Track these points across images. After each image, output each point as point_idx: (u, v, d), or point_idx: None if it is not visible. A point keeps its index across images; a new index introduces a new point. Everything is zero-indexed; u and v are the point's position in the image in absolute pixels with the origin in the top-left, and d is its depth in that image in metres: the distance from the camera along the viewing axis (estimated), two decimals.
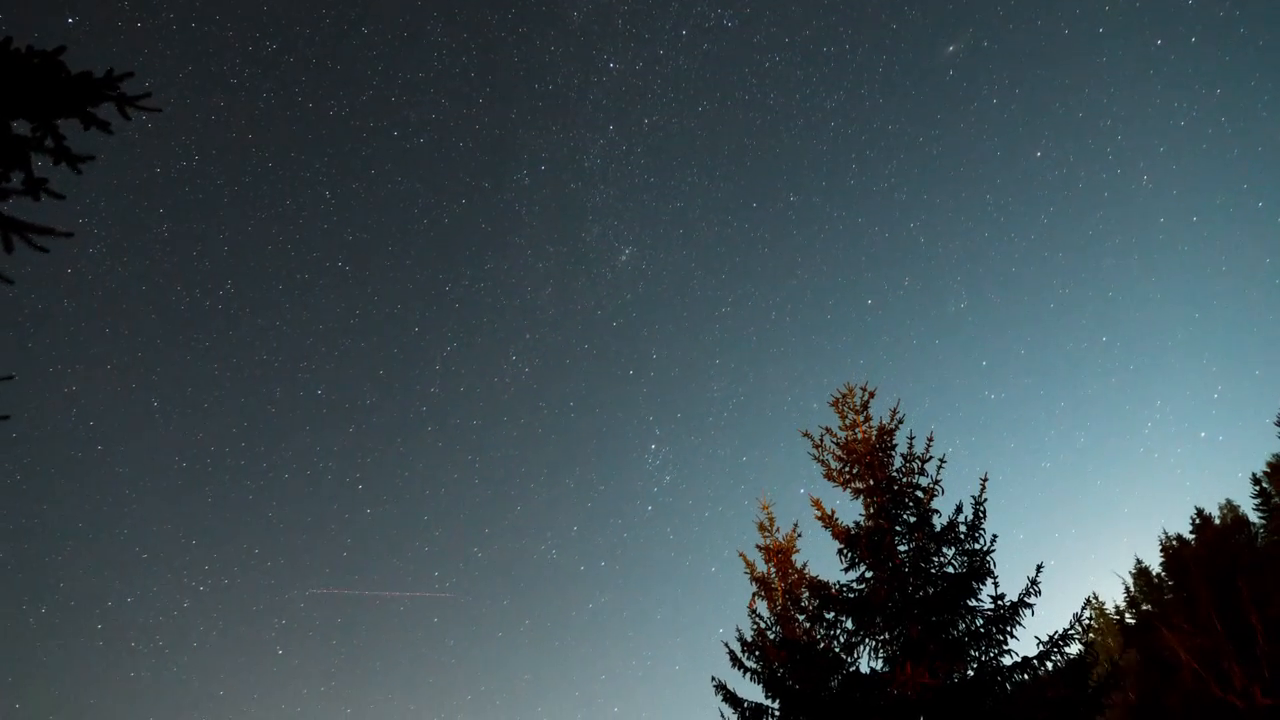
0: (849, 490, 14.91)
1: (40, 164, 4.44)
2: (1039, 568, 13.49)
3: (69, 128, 4.46)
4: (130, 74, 4.52)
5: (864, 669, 13.81)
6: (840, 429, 15.33)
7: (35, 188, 4.26)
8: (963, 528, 14.04)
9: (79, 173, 4.45)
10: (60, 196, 4.36)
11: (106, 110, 4.55)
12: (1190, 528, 34.01)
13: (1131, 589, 35.16)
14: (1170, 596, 32.84)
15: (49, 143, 4.33)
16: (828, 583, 14.40)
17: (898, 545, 14.23)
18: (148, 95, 4.57)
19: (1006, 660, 13.25)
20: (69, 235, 4.18)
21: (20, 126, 4.33)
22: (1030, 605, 13.41)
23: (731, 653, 15.68)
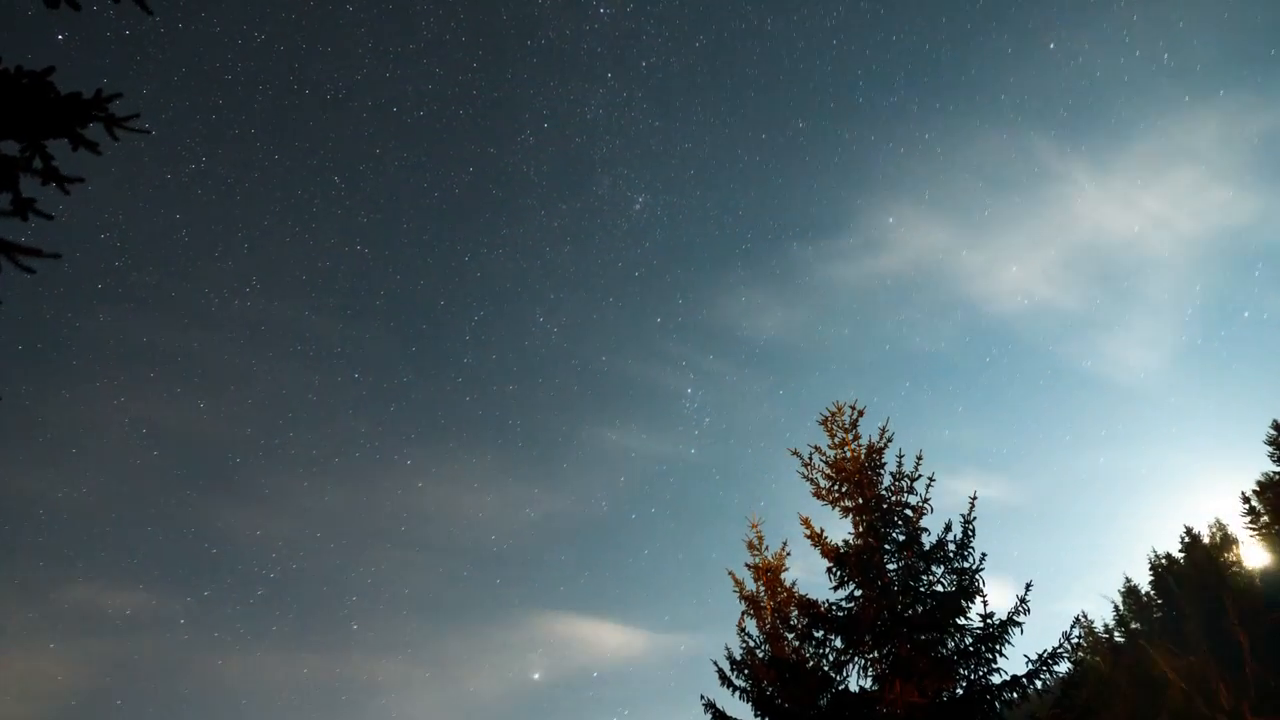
0: (838, 509, 14.91)
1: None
2: (1028, 586, 13.50)
3: (57, 148, 4.48)
4: (119, 94, 4.54)
5: (853, 687, 13.81)
6: (829, 447, 15.34)
7: (23, 208, 4.27)
8: (952, 546, 14.06)
9: (67, 193, 4.46)
10: (49, 217, 4.37)
11: (95, 131, 4.57)
12: (1179, 546, 34.11)
13: (1121, 608, 35.20)
14: (1159, 615, 32.91)
15: (37, 163, 4.34)
16: (817, 601, 14.40)
17: (887, 564, 14.24)
18: (136, 116, 4.60)
19: (996, 679, 13.26)
20: (56, 257, 4.19)
21: (8, 147, 4.35)
22: (1019, 624, 13.42)
23: (720, 671, 15.65)
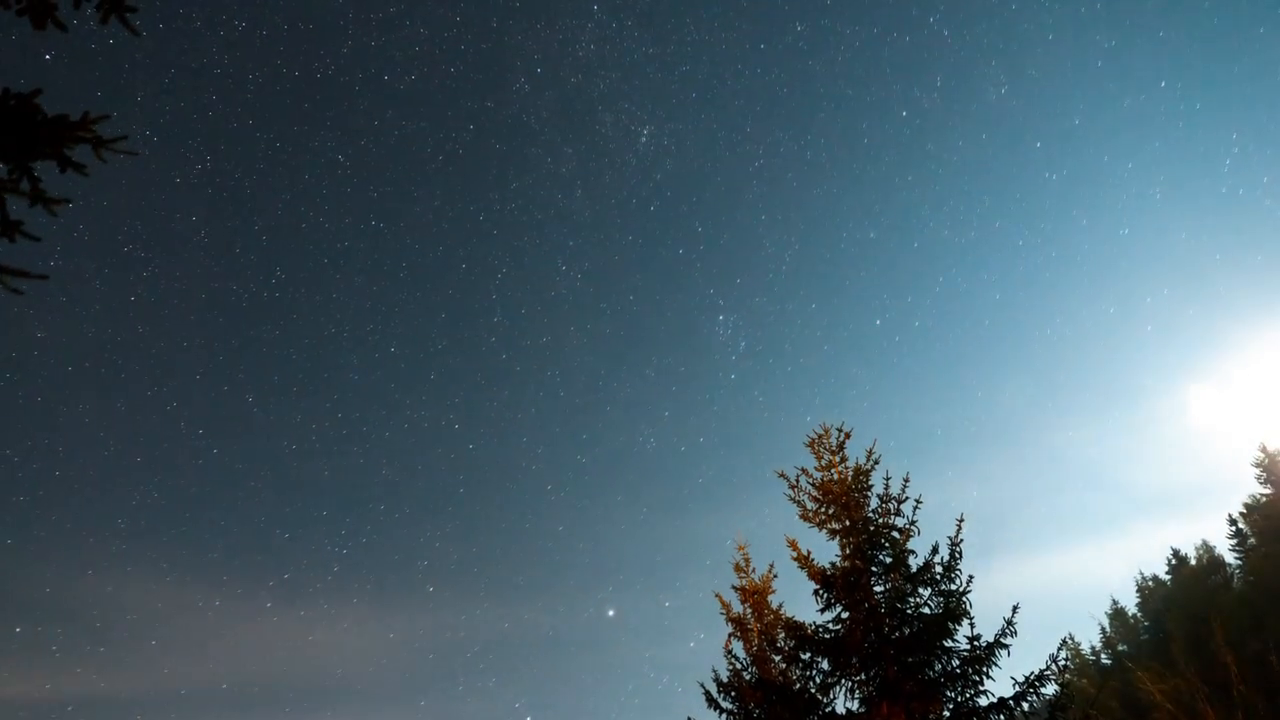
0: (825, 531, 14.92)
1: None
2: (1015, 608, 13.54)
3: (45, 169, 4.50)
4: (106, 116, 4.57)
5: (840, 710, 13.78)
6: (816, 469, 15.36)
7: (10, 230, 4.29)
8: (939, 568, 14.08)
9: (54, 214, 4.49)
10: (36, 239, 4.39)
11: (83, 152, 4.60)
12: (1166, 568, 34.20)
13: (1108, 629, 35.21)
14: (1146, 637, 32.93)
15: (24, 185, 4.37)
16: (804, 623, 14.40)
17: (874, 586, 14.25)
18: (123, 138, 4.63)
19: (983, 701, 13.25)
20: (43, 278, 4.21)
21: None
22: (1006, 646, 13.44)
23: (707, 693, 15.61)
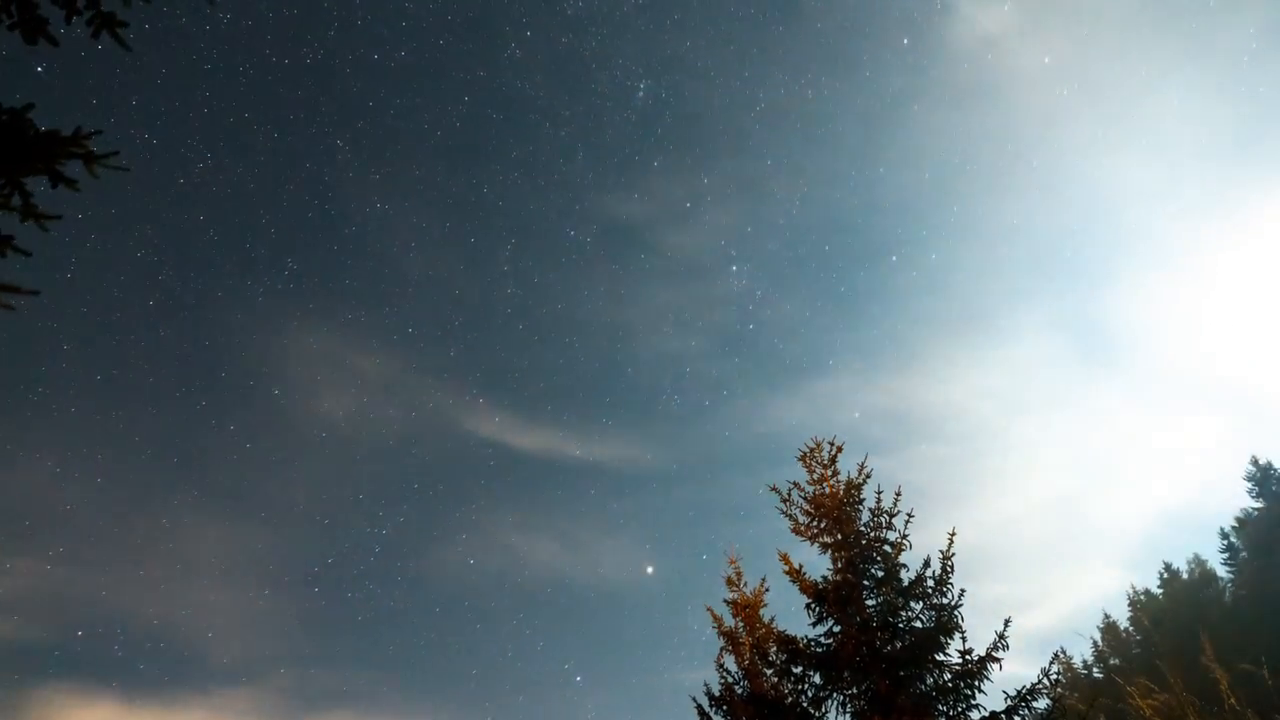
0: (817, 545, 14.94)
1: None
2: (1007, 622, 13.53)
3: (35, 184, 4.51)
4: (98, 131, 4.58)
5: None
6: (808, 483, 15.38)
7: (1, 244, 4.29)
8: (931, 582, 14.08)
9: (46, 230, 4.49)
10: (27, 254, 4.39)
11: (75, 168, 4.60)
12: (1158, 582, 34.23)
13: (1099, 643, 35.20)
14: (1137, 651, 32.93)
15: (15, 200, 4.37)
16: (795, 637, 14.38)
17: (865, 600, 14.25)
18: (115, 153, 4.64)
19: (975, 715, 13.23)
20: (35, 293, 4.21)
21: None
22: (998, 660, 13.42)
23: (699, 707, 15.59)
